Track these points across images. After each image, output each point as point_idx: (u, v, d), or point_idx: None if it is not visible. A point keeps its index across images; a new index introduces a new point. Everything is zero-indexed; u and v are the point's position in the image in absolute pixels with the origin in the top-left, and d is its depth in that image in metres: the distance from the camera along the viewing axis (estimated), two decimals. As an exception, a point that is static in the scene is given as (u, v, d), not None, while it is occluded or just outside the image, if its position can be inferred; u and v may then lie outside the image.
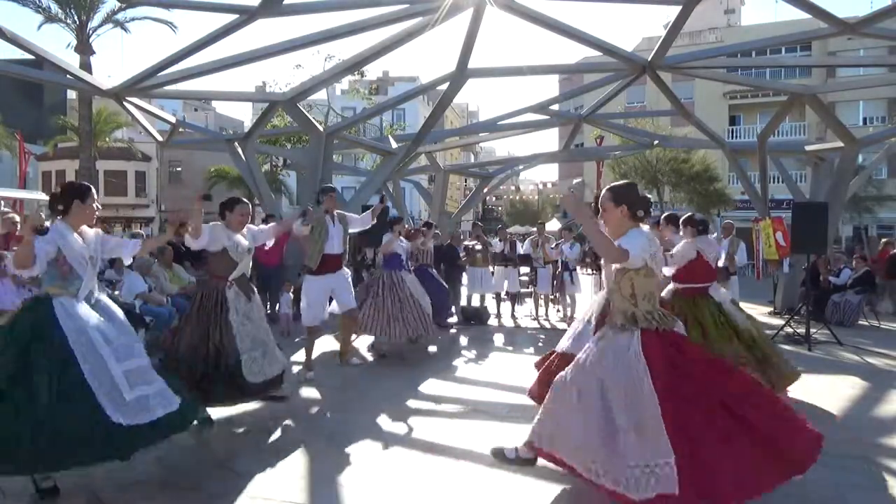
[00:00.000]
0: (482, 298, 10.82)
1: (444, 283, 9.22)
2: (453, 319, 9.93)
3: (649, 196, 3.17)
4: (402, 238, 7.84)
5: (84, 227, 3.60)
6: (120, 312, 3.69)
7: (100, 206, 3.73)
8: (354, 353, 7.07)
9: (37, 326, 3.31)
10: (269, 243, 5.51)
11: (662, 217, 5.78)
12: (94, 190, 3.68)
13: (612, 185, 3.21)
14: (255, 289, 4.98)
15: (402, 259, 7.65)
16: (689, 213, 5.73)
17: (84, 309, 3.43)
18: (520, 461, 3.59)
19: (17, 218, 9.65)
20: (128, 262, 4.29)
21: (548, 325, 10.36)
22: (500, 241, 11.11)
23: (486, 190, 18.68)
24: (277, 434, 4.61)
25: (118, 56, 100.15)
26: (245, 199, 5.01)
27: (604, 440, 2.84)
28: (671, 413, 2.81)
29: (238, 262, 4.72)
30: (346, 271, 6.47)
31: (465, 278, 10.84)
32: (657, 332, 3.00)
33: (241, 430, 4.75)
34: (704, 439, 2.79)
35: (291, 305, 9.08)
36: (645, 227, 3.08)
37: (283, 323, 8.84)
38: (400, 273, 7.55)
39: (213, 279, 4.71)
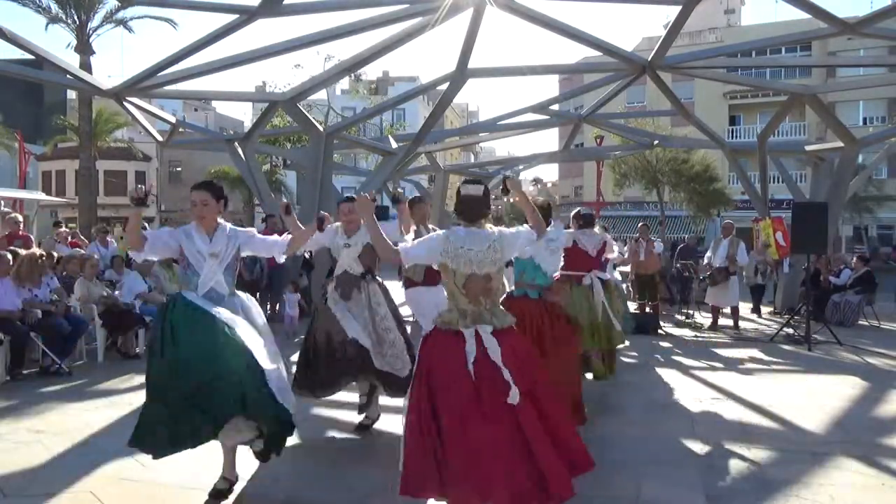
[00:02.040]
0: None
1: None
2: None
3: (470, 195, 3.13)
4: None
5: (218, 224, 3.64)
6: (258, 317, 3.67)
7: (200, 199, 3.61)
8: None
9: (163, 318, 3.45)
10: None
11: (572, 214, 6.09)
12: (192, 191, 3.65)
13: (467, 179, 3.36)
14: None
15: None
16: (578, 209, 6.19)
17: (196, 301, 3.46)
18: None
19: (20, 218, 9.64)
20: (281, 260, 4.06)
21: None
22: None
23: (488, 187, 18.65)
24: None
25: (118, 56, 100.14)
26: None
27: None
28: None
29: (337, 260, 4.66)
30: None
31: None
32: (448, 332, 3.00)
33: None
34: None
35: (295, 306, 9.01)
36: (482, 225, 3.10)
37: (287, 324, 8.73)
38: None
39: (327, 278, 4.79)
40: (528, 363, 3.01)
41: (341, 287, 4.46)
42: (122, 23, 21.80)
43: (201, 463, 3.87)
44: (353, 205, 4.51)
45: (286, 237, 3.86)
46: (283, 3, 7.50)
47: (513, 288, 4.55)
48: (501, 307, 3.15)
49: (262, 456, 3.56)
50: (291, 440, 4.39)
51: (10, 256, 6.73)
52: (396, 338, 4.43)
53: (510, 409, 2.81)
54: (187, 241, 3.54)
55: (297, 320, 8.81)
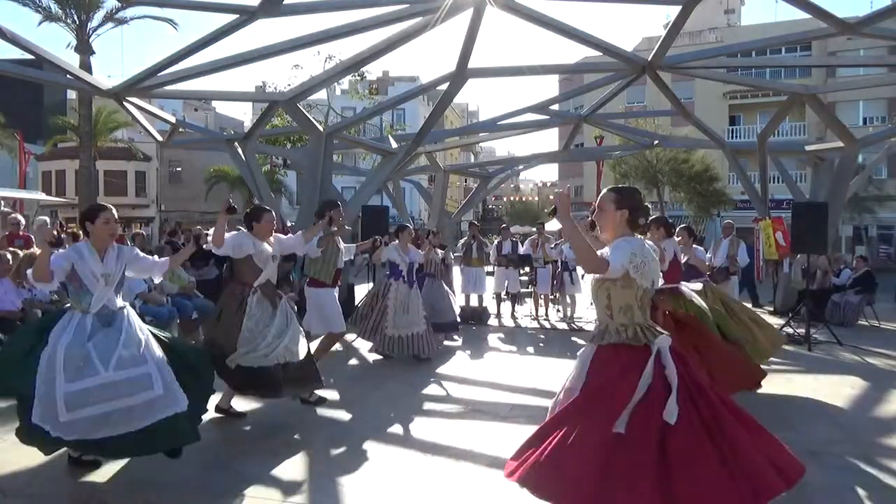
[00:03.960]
0: (480, 299, 10.79)
1: (451, 291, 9.14)
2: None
3: (649, 206, 3.06)
4: (411, 248, 7.51)
5: (109, 245, 3.83)
6: (139, 329, 3.79)
7: (113, 218, 3.85)
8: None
9: (41, 327, 3.71)
10: (301, 252, 5.62)
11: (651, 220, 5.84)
12: (106, 210, 3.85)
13: (618, 186, 3.09)
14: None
15: (400, 270, 7.34)
16: (657, 216, 5.96)
17: (81, 325, 3.64)
18: None
19: (21, 218, 9.65)
20: (158, 280, 4.52)
21: (548, 325, 10.37)
22: (504, 240, 11.06)
23: (488, 187, 18.68)
24: (278, 434, 4.62)
25: (118, 56, 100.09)
26: (269, 208, 5.07)
27: None
28: (557, 423, 2.75)
29: (262, 269, 4.76)
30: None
31: (459, 279, 10.84)
32: (622, 346, 2.80)
33: (241, 430, 4.75)
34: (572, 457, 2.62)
35: (294, 305, 9.08)
36: (638, 237, 2.93)
37: None
38: (399, 284, 7.31)
39: (239, 284, 4.77)
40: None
41: (267, 297, 4.81)
42: (121, 22, 21.78)
43: (202, 463, 3.88)
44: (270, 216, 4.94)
45: (165, 259, 4.20)
46: (283, 3, 7.49)
47: None
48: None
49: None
50: (285, 441, 4.40)
51: (9, 256, 6.72)
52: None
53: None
54: (80, 262, 3.70)
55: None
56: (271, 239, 4.95)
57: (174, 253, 8.83)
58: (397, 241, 7.45)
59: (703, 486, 2.49)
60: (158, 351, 3.74)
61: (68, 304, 3.81)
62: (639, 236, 2.93)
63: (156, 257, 4.21)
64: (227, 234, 4.60)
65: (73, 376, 3.46)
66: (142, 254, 4.05)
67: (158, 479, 3.70)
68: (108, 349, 3.57)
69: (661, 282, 4.36)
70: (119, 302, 3.79)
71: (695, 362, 3.00)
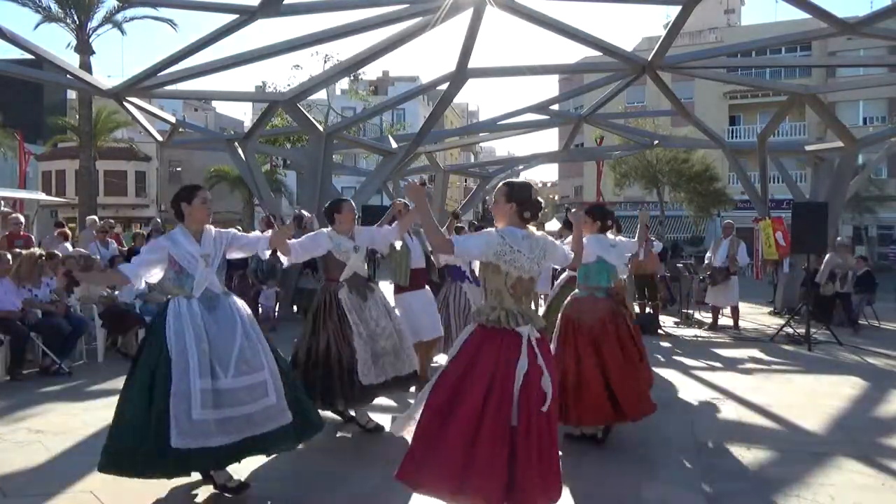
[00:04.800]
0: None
1: None
2: None
3: (541, 201, 3.20)
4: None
5: (205, 227, 3.66)
6: (248, 319, 3.66)
7: (209, 199, 3.71)
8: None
9: (156, 330, 3.49)
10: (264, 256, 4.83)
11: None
12: (202, 189, 3.72)
13: (511, 181, 3.27)
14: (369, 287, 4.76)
15: (463, 270, 6.58)
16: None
17: (192, 310, 3.48)
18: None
19: (21, 218, 9.66)
20: (265, 257, 4.18)
21: (548, 325, 10.34)
22: None
23: (488, 187, 18.66)
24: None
25: (118, 56, 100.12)
26: (347, 198, 4.88)
27: None
28: (437, 401, 2.93)
29: (345, 263, 4.58)
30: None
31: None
32: (494, 329, 2.97)
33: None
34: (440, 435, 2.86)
35: (274, 300, 9.62)
36: (531, 229, 3.10)
37: (263, 316, 9.12)
38: (468, 286, 6.55)
39: (327, 281, 4.66)
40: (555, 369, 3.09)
41: (355, 289, 4.55)
42: (122, 23, 21.79)
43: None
44: (351, 204, 4.65)
45: (266, 234, 3.92)
46: (283, 3, 7.50)
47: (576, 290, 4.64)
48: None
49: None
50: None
51: (9, 256, 6.72)
52: (396, 339, 4.55)
53: (539, 418, 2.86)
54: (174, 247, 3.55)
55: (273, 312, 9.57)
56: (355, 230, 4.71)
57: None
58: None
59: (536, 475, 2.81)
60: (270, 353, 3.62)
61: (166, 297, 3.64)
62: (521, 229, 3.09)
63: (257, 232, 4.02)
64: (294, 240, 4.33)
65: (204, 372, 3.34)
66: (240, 232, 3.88)
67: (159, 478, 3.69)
68: (226, 348, 3.45)
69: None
70: (220, 286, 3.65)
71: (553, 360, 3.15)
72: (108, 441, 3.38)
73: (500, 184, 3.20)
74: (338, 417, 4.80)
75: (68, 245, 8.96)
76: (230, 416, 3.34)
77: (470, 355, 2.97)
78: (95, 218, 11.22)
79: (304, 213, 4.86)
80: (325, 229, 4.65)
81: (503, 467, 2.77)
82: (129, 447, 3.29)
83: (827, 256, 10.50)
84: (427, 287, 5.89)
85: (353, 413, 4.73)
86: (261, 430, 3.40)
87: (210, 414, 3.29)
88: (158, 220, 13.90)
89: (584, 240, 4.20)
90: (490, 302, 3.06)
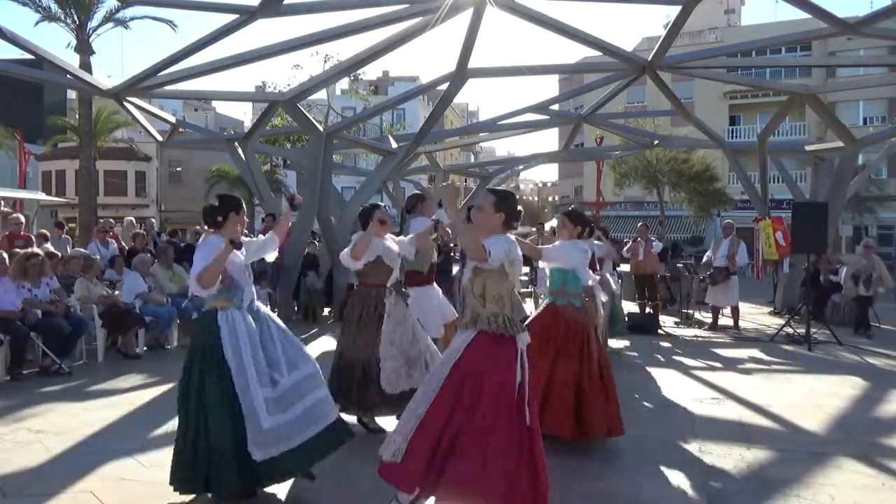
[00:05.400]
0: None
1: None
2: None
3: (521, 209, 3.22)
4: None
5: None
6: (278, 320, 3.66)
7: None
8: None
9: (207, 346, 3.37)
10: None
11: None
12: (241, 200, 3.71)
13: (497, 189, 3.28)
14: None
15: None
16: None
17: (247, 322, 3.43)
18: None
19: (22, 219, 9.65)
20: (272, 260, 4.08)
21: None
22: None
23: (488, 187, 18.66)
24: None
25: (118, 56, 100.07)
26: (380, 204, 4.85)
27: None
28: (439, 407, 2.94)
29: (393, 268, 4.57)
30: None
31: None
32: (496, 336, 2.98)
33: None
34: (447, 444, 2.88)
35: (266, 301, 9.35)
36: (511, 237, 3.13)
37: None
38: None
39: (367, 287, 4.59)
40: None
41: (402, 297, 4.57)
42: (122, 23, 21.74)
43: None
44: (386, 213, 4.58)
45: (271, 234, 3.83)
46: (283, 3, 7.50)
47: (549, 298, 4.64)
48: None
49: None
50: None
51: (6, 256, 6.70)
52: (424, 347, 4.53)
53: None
54: (231, 258, 3.42)
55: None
56: (388, 237, 4.65)
57: (175, 253, 8.93)
58: None
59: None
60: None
61: (206, 308, 3.52)
62: (511, 236, 3.14)
63: (261, 236, 3.92)
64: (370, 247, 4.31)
65: (264, 382, 3.32)
66: (250, 238, 3.82)
67: (158, 479, 3.68)
68: (274, 351, 3.45)
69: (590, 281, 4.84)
70: (255, 298, 3.61)
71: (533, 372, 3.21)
72: (180, 469, 3.35)
73: (486, 191, 3.21)
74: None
75: (49, 245, 8.88)
76: (297, 415, 3.36)
77: (475, 362, 2.96)
78: (132, 219, 11.68)
79: (296, 194, 4.80)
80: (369, 236, 4.50)
81: (525, 476, 2.84)
82: (208, 469, 3.29)
83: (848, 258, 10.49)
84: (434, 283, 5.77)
85: (379, 424, 4.69)
86: (315, 428, 3.39)
87: (280, 417, 3.31)
88: (153, 220, 13.94)
89: (562, 245, 4.27)
90: (491, 308, 3.02)
